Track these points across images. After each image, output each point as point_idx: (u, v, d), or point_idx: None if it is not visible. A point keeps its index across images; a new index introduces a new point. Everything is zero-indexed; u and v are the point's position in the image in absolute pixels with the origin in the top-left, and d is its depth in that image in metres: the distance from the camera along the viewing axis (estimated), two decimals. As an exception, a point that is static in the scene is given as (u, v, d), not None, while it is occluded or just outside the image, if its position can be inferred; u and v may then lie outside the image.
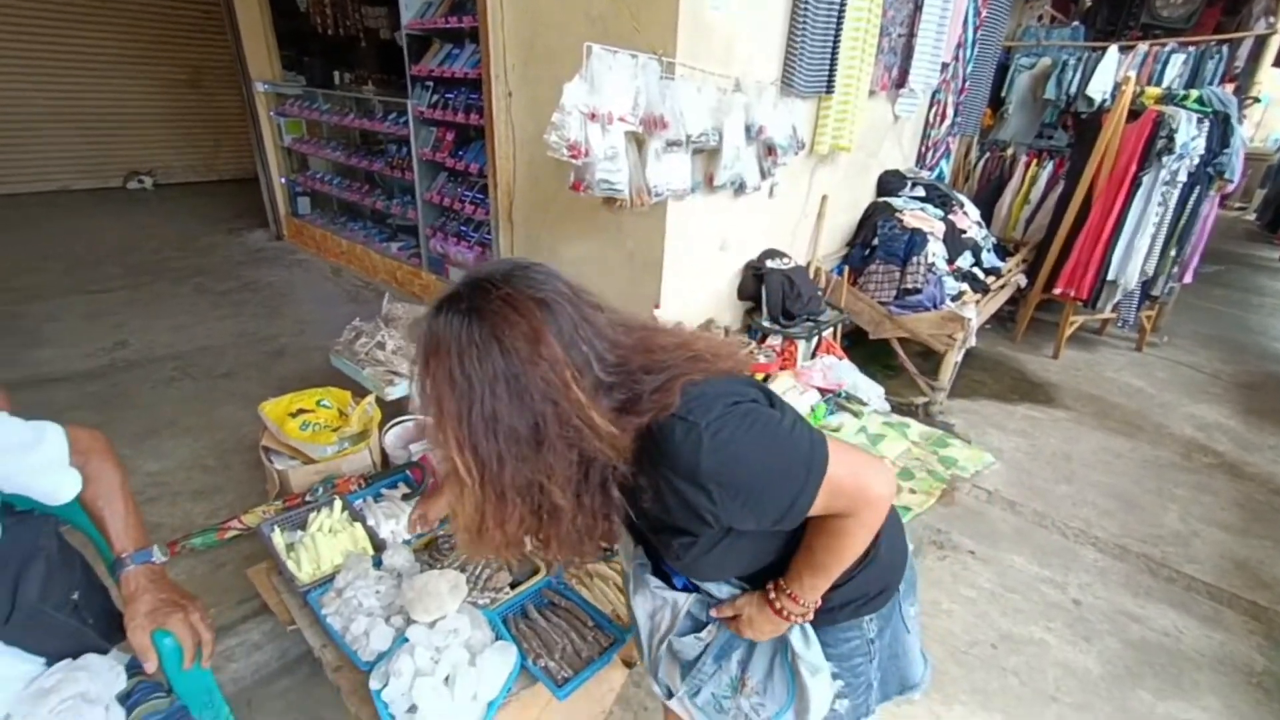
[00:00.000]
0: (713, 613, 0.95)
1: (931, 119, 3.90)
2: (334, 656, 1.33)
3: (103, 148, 6.73)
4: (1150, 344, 4.24)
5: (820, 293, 3.06)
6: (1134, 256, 3.60)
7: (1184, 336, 4.50)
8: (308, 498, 1.76)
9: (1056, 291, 3.88)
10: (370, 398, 2.10)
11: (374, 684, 1.20)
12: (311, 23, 7.04)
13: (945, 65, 3.57)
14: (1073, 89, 4.22)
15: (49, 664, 0.95)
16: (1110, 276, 3.69)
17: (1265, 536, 2.50)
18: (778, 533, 0.84)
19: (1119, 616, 2.07)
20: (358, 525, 1.64)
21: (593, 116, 1.89)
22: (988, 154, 4.68)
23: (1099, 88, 4.07)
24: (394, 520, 1.67)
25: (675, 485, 0.73)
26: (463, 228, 3.70)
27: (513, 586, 1.48)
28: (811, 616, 0.89)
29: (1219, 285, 5.96)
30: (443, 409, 0.69)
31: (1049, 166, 4.37)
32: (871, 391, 2.90)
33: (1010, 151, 4.60)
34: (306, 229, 4.93)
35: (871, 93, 3.09)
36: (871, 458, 0.83)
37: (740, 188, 2.54)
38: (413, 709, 1.16)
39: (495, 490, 0.71)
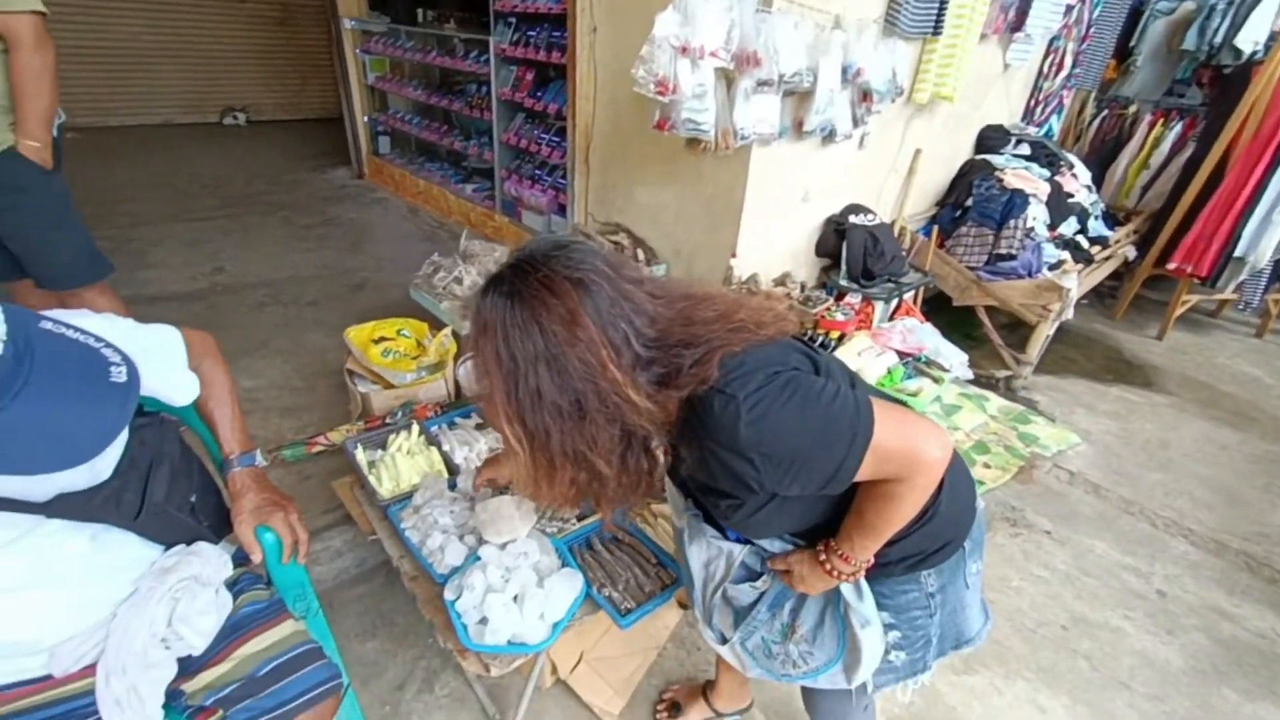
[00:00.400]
0: (769, 563, 0.96)
1: (1045, 69, 3.55)
2: (411, 567, 1.40)
3: (202, 84, 7.05)
4: (1274, 330, 3.83)
5: (904, 253, 2.90)
6: (1270, 231, 3.21)
7: (1316, 325, 4.03)
8: (388, 420, 1.84)
9: (1170, 267, 3.53)
10: (447, 330, 2.16)
11: (449, 595, 1.26)
12: (396, -42, 7.02)
13: (1070, 8, 3.22)
14: (1217, 39, 3.72)
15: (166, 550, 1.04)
16: (1238, 253, 3.31)
17: (1392, 547, 2.26)
18: (826, 495, 0.83)
19: (1208, 612, 1.94)
20: (433, 449, 1.71)
21: (684, 50, 1.81)
22: (1105, 111, 4.23)
23: (1250, 37, 3.57)
24: (467, 447, 1.73)
25: (719, 455, 0.74)
26: (537, 171, 3.69)
27: (579, 519, 1.51)
28: (862, 575, 0.90)
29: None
30: (492, 385, 0.73)
31: (1176, 127, 3.92)
32: (955, 358, 2.75)
33: (1133, 109, 4.14)
34: (386, 168, 5.05)
35: (983, 36, 2.82)
36: (924, 421, 0.80)
37: (830, 135, 2.40)
38: (483, 621, 1.21)
39: (544, 458, 0.75)
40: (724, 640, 1.04)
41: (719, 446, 0.74)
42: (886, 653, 0.97)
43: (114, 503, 0.89)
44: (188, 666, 0.95)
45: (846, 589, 0.91)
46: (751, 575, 1.00)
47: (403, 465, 1.62)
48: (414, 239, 4.20)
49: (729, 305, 0.80)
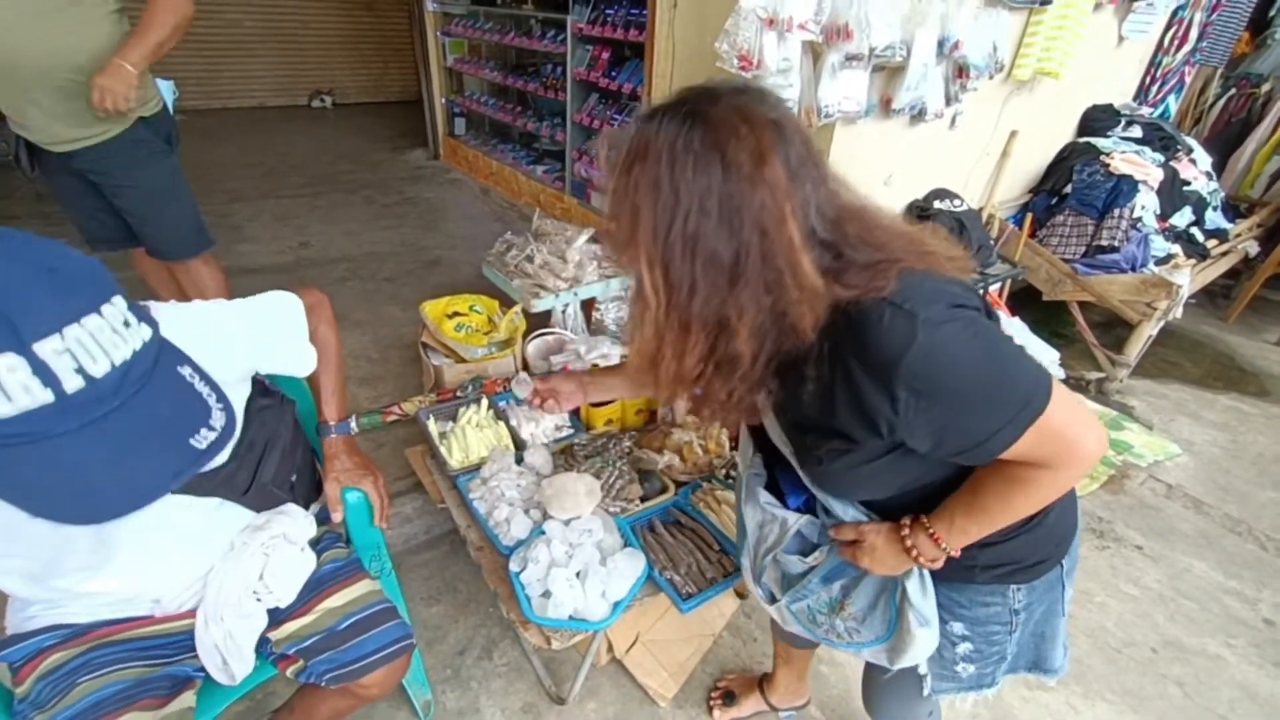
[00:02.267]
0: (831, 532, 0.86)
1: (1166, 43, 3.22)
2: (477, 537, 1.45)
3: (293, 68, 7.42)
4: None
5: (992, 243, 2.72)
6: None
7: None
8: (459, 393, 1.90)
9: (1300, 265, 3.17)
10: (517, 308, 2.19)
11: (514, 566, 1.29)
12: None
13: (1199, -29, 2.91)
14: (1378, 5, 3.28)
15: None
16: (1385, 251, 2.94)
17: None
18: (944, 464, 0.74)
19: (1325, 649, 1.75)
20: (501, 424, 1.75)
21: (771, 23, 1.74)
22: (1233, 90, 3.81)
23: None
24: (533, 423, 1.76)
25: (857, 379, 0.64)
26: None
27: (642, 500, 1.51)
28: (941, 564, 0.79)
29: None
30: (638, 221, 0.63)
31: (1318, 108, 3.49)
32: (1044, 356, 2.58)
33: (1266, 88, 3.71)
34: (460, 149, 5.17)
35: (1098, 5, 2.59)
36: (1089, 412, 0.69)
37: (920, 114, 2.27)
38: (546, 594, 1.23)
39: (680, 318, 0.65)
40: (773, 599, 0.98)
41: (867, 369, 0.63)
42: (954, 663, 0.92)
43: (228, 482, 0.95)
44: (275, 616, 1.01)
45: (912, 585, 0.82)
46: (804, 547, 0.92)
47: (472, 438, 1.66)
48: (485, 219, 4.30)
49: (915, 229, 0.73)
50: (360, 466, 1.14)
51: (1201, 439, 2.58)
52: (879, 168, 2.44)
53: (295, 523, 1.06)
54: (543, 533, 1.33)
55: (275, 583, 1.00)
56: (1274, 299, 3.60)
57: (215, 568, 0.98)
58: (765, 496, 0.94)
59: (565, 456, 1.63)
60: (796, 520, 0.90)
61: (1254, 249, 3.30)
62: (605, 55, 3.46)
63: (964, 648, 0.90)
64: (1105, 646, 1.72)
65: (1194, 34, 3.25)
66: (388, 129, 6.52)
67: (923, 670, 0.94)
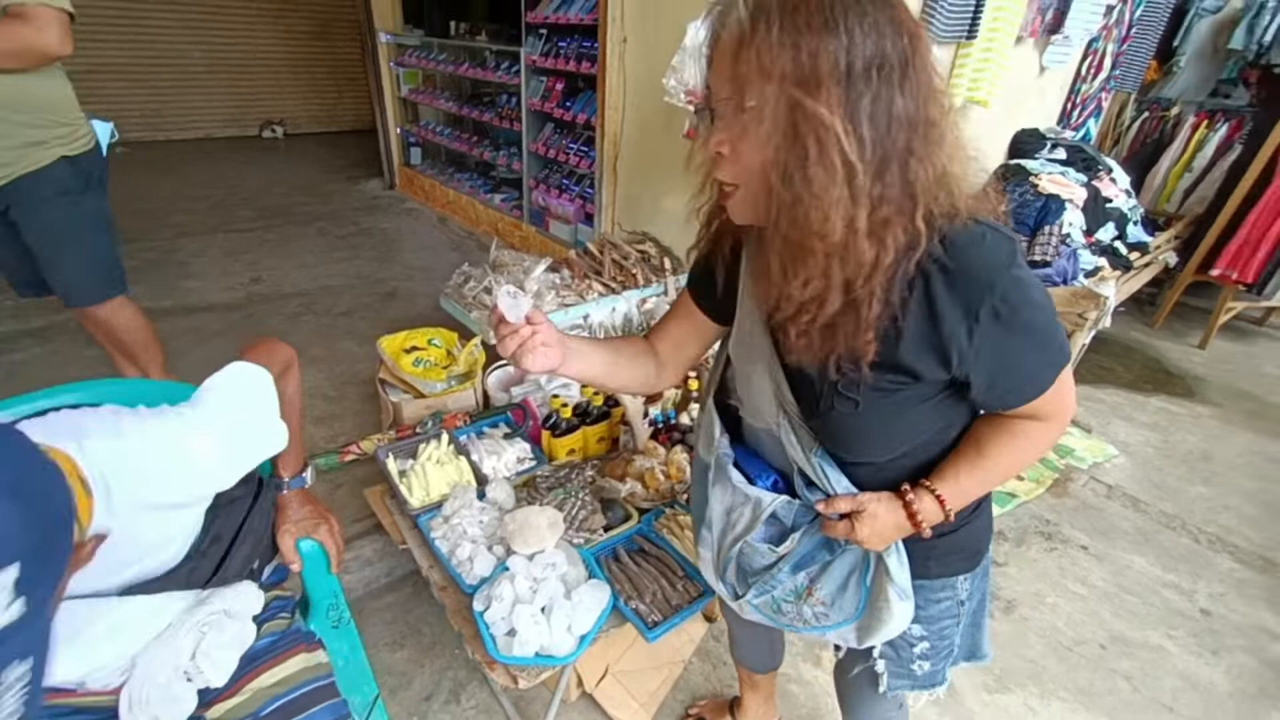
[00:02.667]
0: (821, 506, 0.81)
1: (1084, 71, 3.46)
2: (440, 577, 1.43)
3: (243, 98, 7.30)
4: (1326, 339, 3.68)
5: (934, 261, 2.85)
6: (1321, 236, 3.09)
7: (1373, 333, 3.86)
8: (418, 429, 1.88)
9: (1214, 273, 3.42)
10: (476, 340, 2.20)
11: (478, 605, 1.28)
12: (428, -27, 7.19)
13: (1110, 8, 3.14)
14: (1268, 37, 3.59)
15: None
16: (1286, 258, 3.19)
17: None
18: (957, 422, 0.78)
19: (1256, 632, 1.86)
20: (463, 459, 1.74)
21: (710, 62, 1.82)
22: (1146, 113, 4.11)
23: (1301, 34, 3.45)
24: (495, 457, 1.76)
25: (940, 301, 0.64)
26: (565, 180, 3.73)
27: (606, 530, 1.52)
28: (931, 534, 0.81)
29: None
30: (810, 68, 0.55)
31: (1221, 129, 3.79)
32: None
33: (1175, 111, 4.02)
34: (417, 179, 5.15)
35: (1019, 39, 2.77)
36: None
37: (858, 143, 2.38)
38: (511, 632, 1.23)
39: (865, 193, 0.59)
40: (736, 595, 0.95)
41: (955, 290, 0.63)
42: (911, 661, 0.95)
43: (183, 579, 0.91)
44: (206, 697, 0.95)
45: (892, 561, 0.81)
46: (773, 535, 0.88)
47: (433, 475, 1.65)
48: (443, 249, 4.28)
49: None
50: (313, 515, 1.12)
51: (1136, 440, 2.73)
52: (825, 193, 2.54)
53: (240, 597, 1.00)
54: (506, 569, 1.33)
55: (208, 662, 0.93)
56: (1194, 305, 3.85)
57: (148, 646, 0.92)
58: (736, 476, 0.88)
59: (528, 490, 1.63)
60: (772, 500, 0.85)
61: (1173, 259, 3.54)
62: (559, 86, 3.53)
63: (921, 647, 0.93)
64: (1058, 646, 1.79)
65: (1108, 63, 3.49)
66: (341, 159, 6.46)
67: (879, 669, 0.96)
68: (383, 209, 5.04)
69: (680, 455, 1.72)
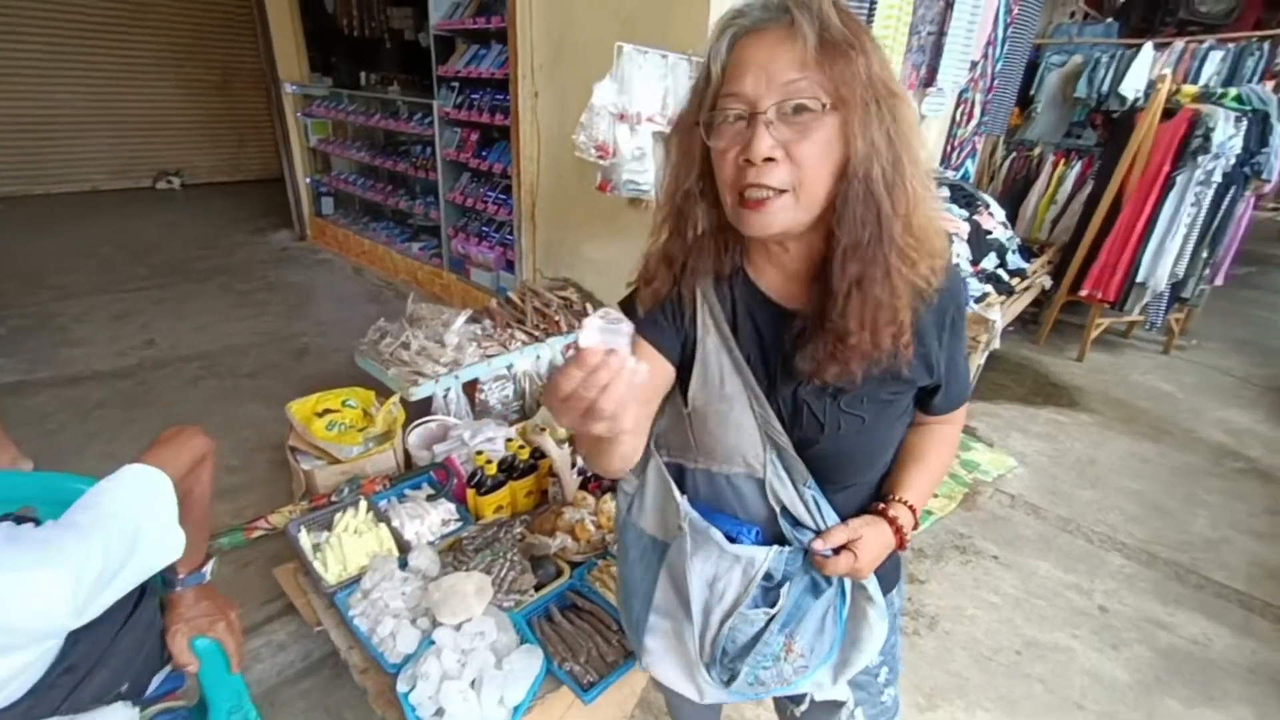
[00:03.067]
0: (816, 544, 0.77)
1: (958, 118, 3.84)
2: (361, 658, 1.35)
3: (134, 149, 6.87)
4: (1178, 347, 4.15)
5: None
6: (1164, 258, 3.52)
7: (1213, 340, 4.39)
8: (333, 498, 1.79)
9: (1083, 293, 3.81)
10: (394, 398, 2.12)
11: (402, 686, 1.22)
12: (338, 23, 7.13)
13: (974, 63, 3.51)
14: (1104, 87, 4.13)
15: None
16: (1139, 278, 3.61)
17: (1300, 546, 2.44)
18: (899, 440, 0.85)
19: (1146, 624, 2.03)
20: (382, 526, 1.66)
21: (621, 117, 1.90)
22: (1014, 153, 4.60)
23: (1132, 86, 3.98)
24: (418, 521, 1.69)
25: (927, 311, 0.72)
26: (484, 228, 3.72)
27: (536, 589, 1.49)
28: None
29: (1250, 288, 5.80)
30: (888, 76, 0.64)
31: (1076, 166, 4.29)
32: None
33: (1037, 151, 4.52)
34: (329, 229, 4.99)
35: (896, 92, 3.05)
36: None
37: (762, 189, 2.52)
38: (439, 712, 1.17)
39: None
40: (730, 680, 0.82)
41: (939, 302, 0.72)
42: (880, 692, 0.95)
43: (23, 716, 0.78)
44: None
45: (871, 583, 0.82)
46: (766, 595, 0.81)
47: (350, 546, 1.57)
48: (359, 300, 4.14)
49: None
50: (209, 610, 1.02)
51: (1031, 450, 2.97)
52: (736, 236, 2.67)
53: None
54: (432, 643, 1.27)
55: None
56: (1071, 321, 4.26)
57: None
58: (718, 536, 0.79)
59: (454, 553, 1.57)
60: (766, 555, 0.78)
61: (1048, 282, 3.91)
62: (474, 137, 3.55)
63: (883, 673, 0.94)
64: (979, 657, 1.88)
65: (978, 110, 3.90)
66: (246, 210, 6.16)
67: (856, 716, 0.94)
68: (293, 261, 4.83)
69: (611, 504, 1.71)
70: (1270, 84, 3.74)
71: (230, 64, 7.15)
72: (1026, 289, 3.63)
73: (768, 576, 0.80)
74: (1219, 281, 4.00)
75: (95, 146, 6.61)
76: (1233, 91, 3.40)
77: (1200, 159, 3.31)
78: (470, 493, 1.73)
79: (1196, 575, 2.24)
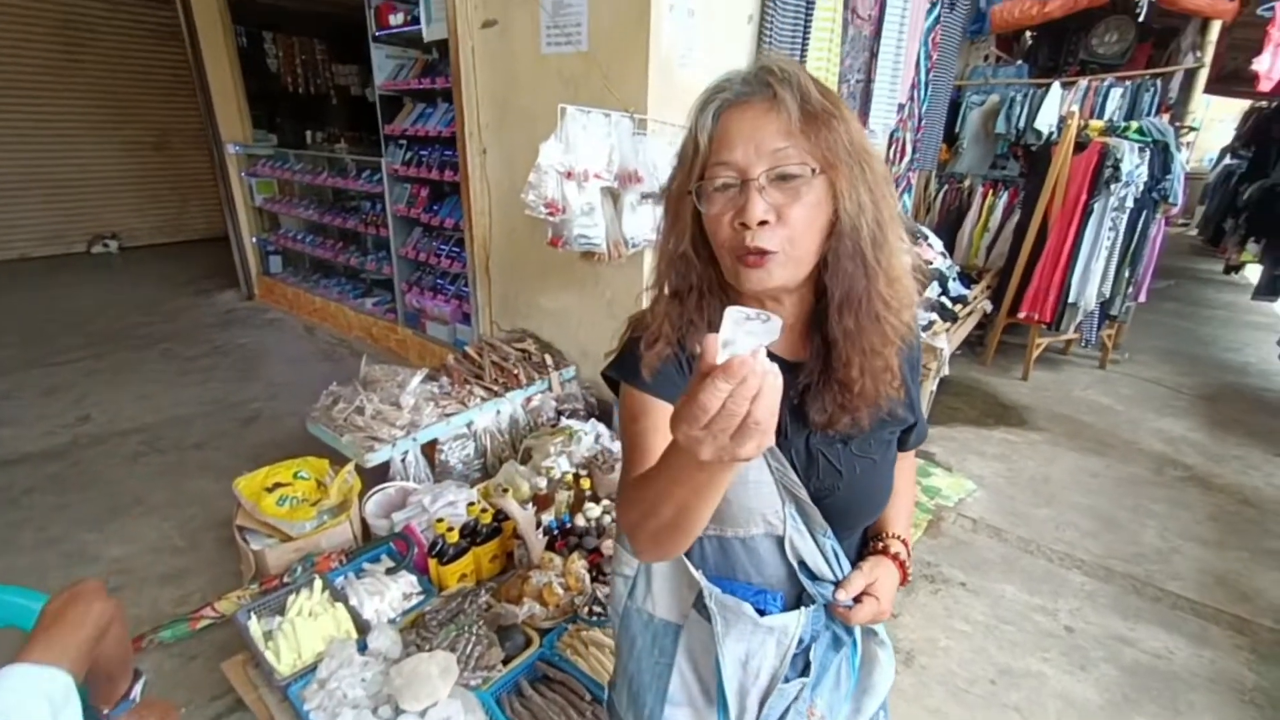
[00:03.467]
0: (839, 595, 0.76)
1: (892, 156, 4.05)
2: (319, 753, 1.27)
3: (66, 213, 6.61)
4: (1113, 361, 4.38)
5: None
6: (1091, 279, 3.74)
7: (1144, 352, 4.65)
8: (286, 579, 1.70)
9: (1021, 315, 4.00)
10: (350, 466, 2.05)
11: (363, 784, 1.14)
12: (282, 82, 7.12)
13: (902, 106, 3.73)
14: (1021, 123, 4.43)
15: None
16: (1071, 299, 3.82)
17: (1240, 548, 2.55)
18: None
19: (1111, 641, 2.08)
20: (339, 606, 1.59)
21: (569, 175, 1.93)
22: (946, 186, 4.86)
23: (1045, 121, 4.28)
24: (377, 597, 1.62)
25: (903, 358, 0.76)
26: (439, 281, 3.70)
27: (505, 662, 1.43)
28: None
29: (1171, 299, 6.21)
30: (863, 141, 0.68)
31: (1004, 196, 4.56)
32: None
33: (967, 183, 4.79)
34: (278, 287, 4.88)
35: (833, 137, 3.21)
36: None
37: (712, 235, 2.59)
38: (406, 808, 1.10)
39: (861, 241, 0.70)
40: None
41: (910, 346, 0.77)
42: None
43: None
44: None
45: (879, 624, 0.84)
46: (794, 663, 0.78)
47: (304, 631, 1.49)
48: (312, 359, 4.03)
49: None
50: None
51: (987, 471, 3.05)
52: (689, 281, 2.72)
53: None
54: (395, 734, 1.20)
55: None
56: (1013, 342, 4.46)
57: None
58: (750, 611, 0.75)
59: (416, 630, 1.51)
60: (797, 620, 0.76)
61: (989, 306, 4.11)
62: (424, 192, 3.55)
63: (880, 716, 0.92)
64: (956, 690, 1.88)
65: (909, 148, 4.12)
66: (190, 271, 5.98)
67: None
68: (240, 322, 4.69)
69: (578, 563, 1.68)
70: (1166, 116, 4.08)
71: (169, 124, 7.02)
72: (969, 314, 3.80)
73: (798, 642, 0.76)
74: (1142, 298, 4.26)
75: (23, 211, 6.33)
76: (1135, 124, 3.70)
77: (1113, 187, 3.57)
78: (432, 563, 1.67)
79: (1152, 587, 2.31)
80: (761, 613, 0.75)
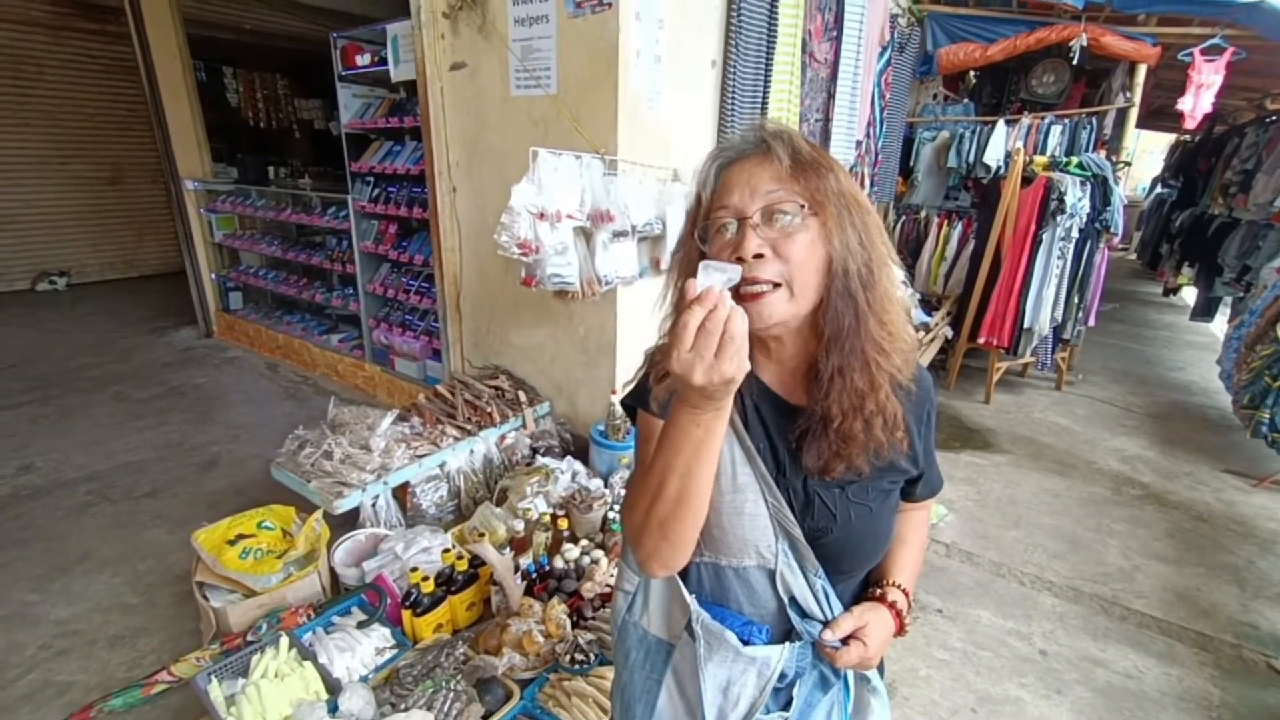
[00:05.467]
0: (826, 635, 0.78)
1: (851, 190, 4.21)
2: (287, 828, 1.19)
3: (9, 250, 6.33)
4: (1068, 382, 4.56)
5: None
6: (1043, 305, 3.91)
7: (1096, 373, 4.86)
8: (249, 637, 1.62)
9: (981, 341, 4.15)
10: (317, 514, 1.98)
11: None
12: (243, 115, 7.03)
13: (859, 142, 3.89)
14: (971, 158, 4.66)
15: None
16: (1026, 324, 3.98)
17: (1197, 564, 2.65)
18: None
19: (1084, 663, 2.12)
20: (308, 664, 1.52)
21: (541, 216, 1.95)
22: (904, 217, 5.06)
23: (993, 156, 4.51)
24: (348, 654, 1.55)
25: (909, 409, 0.78)
26: (408, 317, 3.65)
27: (486, 718, 1.38)
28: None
29: (1118, 322, 6.53)
30: (826, 214, 0.71)
31: (959, 226, 4.76)
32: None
33: (923, 214, 4.99)
34: (239, 324, 4.74)
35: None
36: None
37: (683, 270, 2.63)
38: None
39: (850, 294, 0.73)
40: None
41: (915, 400, 0.79)
42: None
43: None
44: None
45: (873, 673, 0.84)
46: (777, 696, 0.80)
47: (269, 695, 1.41)
48: (275, 399, 3.91)
49: None
50: None
51: (957, 495, 3.11)
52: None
53: None
54: (370, 803, 1.14)
55: None
56: (975, 366, 4.61)
57: None
58: (733, 639, 0.78)
59: (390, 687, 1.45)
60: (780, 654, 0.78)
61: (949, 332, 4.25)
62: (392, 229, 3.53)
63: None
64: None
65: (869, 182, 4.29)
66: (144, 309, 5.77)
67: None
68: (198, 362, 4.52)
69: (558, 609, 1.64)
70: (1102, 152, 4.34)
71: (124, 158, 6.83)
72: (931, 340, 3.92)
73: (780, 676, 0.79)
74: (1092, 322, 4.47)
75: (-40, 250, 6.06)
76: (1075, 160, 3.93)
77: (1059, 219, 3.76)
78: (406, 614, 1.62)
79: (1119, 607, 2.38)
80: (746, 642, 0.78)
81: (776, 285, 0.70)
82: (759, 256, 0.69)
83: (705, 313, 0.57)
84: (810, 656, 0.80)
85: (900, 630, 0.82)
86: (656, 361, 0.80)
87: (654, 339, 0.84)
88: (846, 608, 0.81)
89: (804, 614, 0.79)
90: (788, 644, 0.78)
